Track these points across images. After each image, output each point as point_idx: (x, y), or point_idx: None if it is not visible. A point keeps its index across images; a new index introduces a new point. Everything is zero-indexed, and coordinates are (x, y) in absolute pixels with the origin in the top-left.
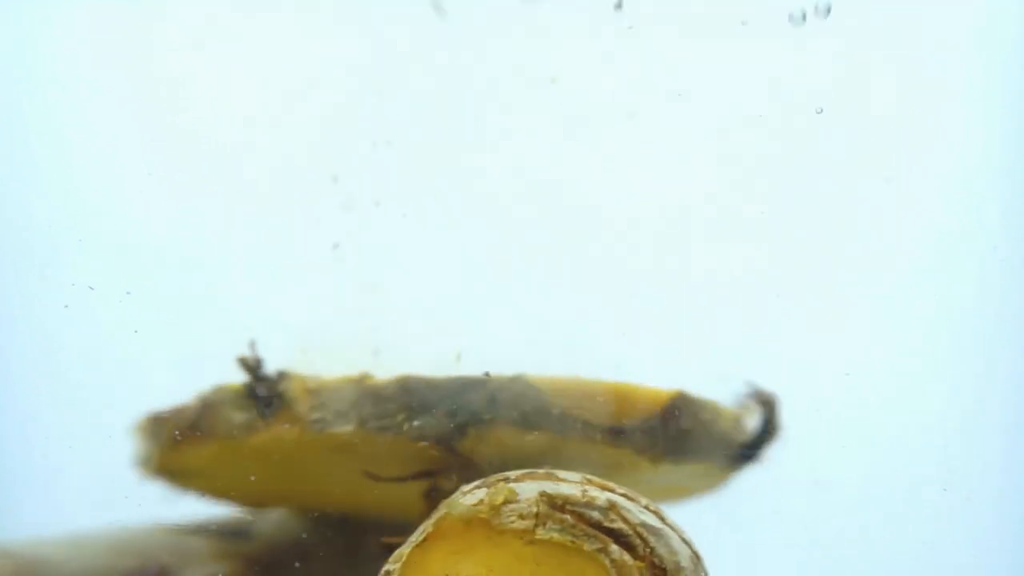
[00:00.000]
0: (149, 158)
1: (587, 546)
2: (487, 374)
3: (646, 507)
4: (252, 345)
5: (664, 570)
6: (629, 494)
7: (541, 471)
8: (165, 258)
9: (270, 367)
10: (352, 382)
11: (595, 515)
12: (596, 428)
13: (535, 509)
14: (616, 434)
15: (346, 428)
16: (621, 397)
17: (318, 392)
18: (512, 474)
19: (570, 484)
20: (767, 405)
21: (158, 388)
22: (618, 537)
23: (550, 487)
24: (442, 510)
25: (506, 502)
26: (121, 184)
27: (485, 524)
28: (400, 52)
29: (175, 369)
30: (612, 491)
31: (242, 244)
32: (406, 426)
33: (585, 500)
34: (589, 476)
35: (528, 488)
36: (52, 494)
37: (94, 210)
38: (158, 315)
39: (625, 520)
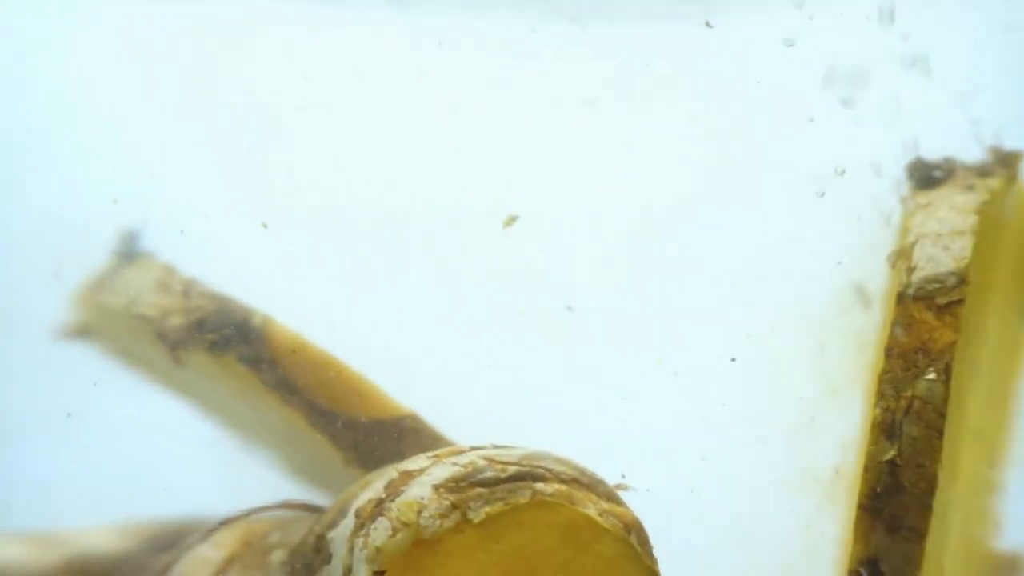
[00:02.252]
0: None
1: (523, 499)
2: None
3: (497, 446)
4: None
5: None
6: (479, 446)
7: (395, 476)
8: None
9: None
10: (160, 268)
11: (489, 475)
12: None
13: (447, 501)
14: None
15: (116, 303)
16: (363, 392)
17: (137, 268)
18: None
19: (440, 466)
20: None
21: None
22: (536, 477)
23: (438, 472)
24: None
25: (419, 512)
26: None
27: (424, 545)
28: None
29: None
30: (462, 451)
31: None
32: (164, 321)
33: (471, 469)
34: (434, 453)
35: (417, 488)
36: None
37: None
38: None
39: (509, 463)
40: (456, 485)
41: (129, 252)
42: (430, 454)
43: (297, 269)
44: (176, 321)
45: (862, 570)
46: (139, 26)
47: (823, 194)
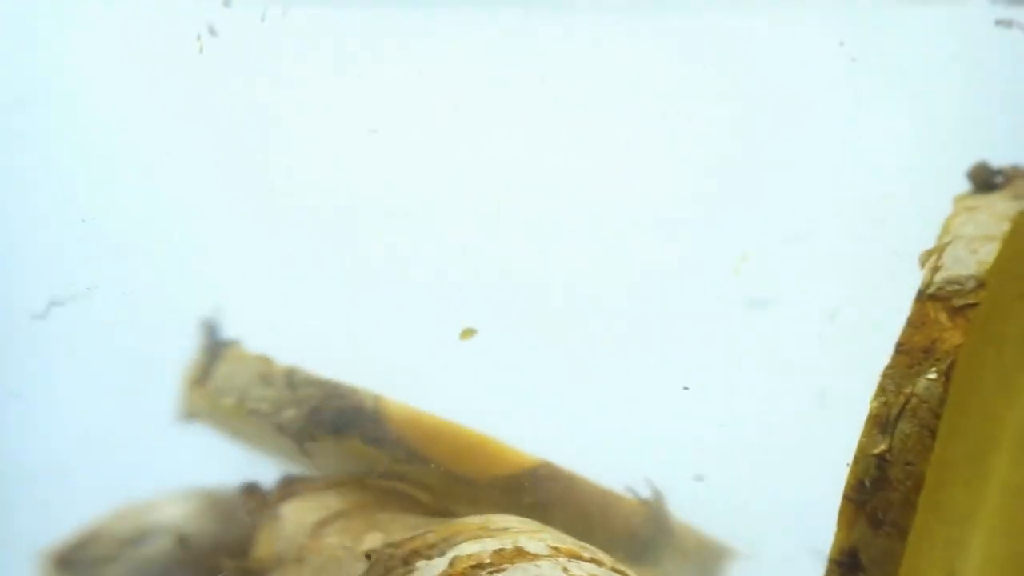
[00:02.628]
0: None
1: None
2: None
3: (617, 570)
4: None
5: None
6: (596, 556)
7: (509, 547)
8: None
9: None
10: (256, 360)
11: None
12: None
13: None
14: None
15: (228, 402)
16: (487, 451)
17: (232, 362)
18: (478, 554)
19: (551, 564)
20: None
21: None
22: None
23: (547, 571)
24: None
25: None
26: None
27: None
28: None
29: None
30: (580, 557)
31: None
32: (281, 414)
33: None
34: (554, 543)
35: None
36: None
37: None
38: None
39: None
40: None
41: (215, 343)
42: (552, 543)
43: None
44: (291, 413)
45: (842, 560)
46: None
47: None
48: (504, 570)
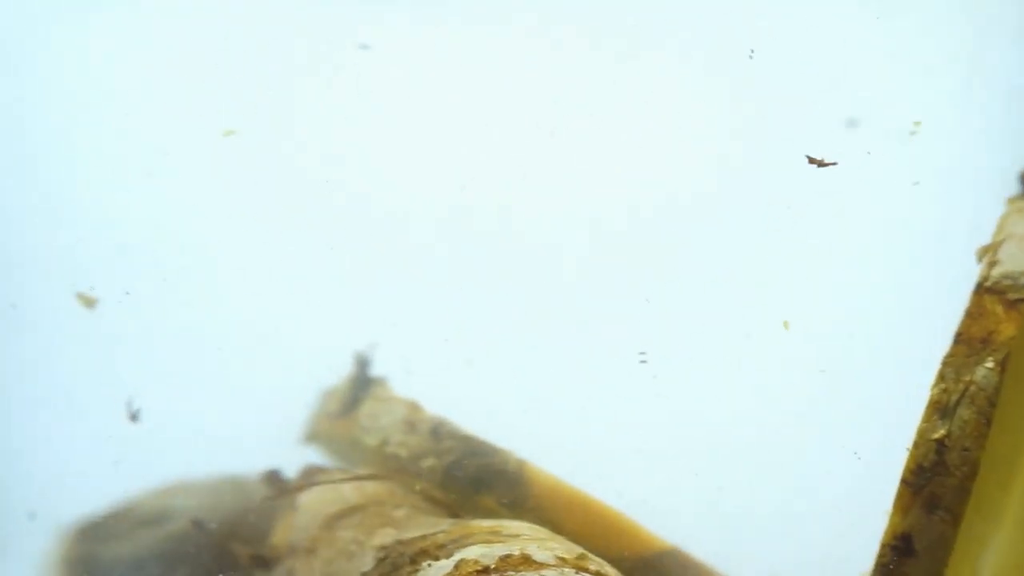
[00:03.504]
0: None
1: None
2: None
3: None
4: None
5: None
6: (602, 570)
7: (516, 554)
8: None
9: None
10: (404, 404)
11: None
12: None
13: None
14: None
15: (371, 441)
16: (622, 530)
17: (380, 401)
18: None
19: (551, 571)
20: None
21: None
22: None
23: None
24: None
25: None
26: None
27: None
28: None
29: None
30: (587, 570)
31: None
32: (420, 462)
33: None
34: (563, 554)
35: None
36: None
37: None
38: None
39: None
40: None
41: (365, 379)
42: (559, 552)
43: None
44: (431, 463)
45: (896, 544)
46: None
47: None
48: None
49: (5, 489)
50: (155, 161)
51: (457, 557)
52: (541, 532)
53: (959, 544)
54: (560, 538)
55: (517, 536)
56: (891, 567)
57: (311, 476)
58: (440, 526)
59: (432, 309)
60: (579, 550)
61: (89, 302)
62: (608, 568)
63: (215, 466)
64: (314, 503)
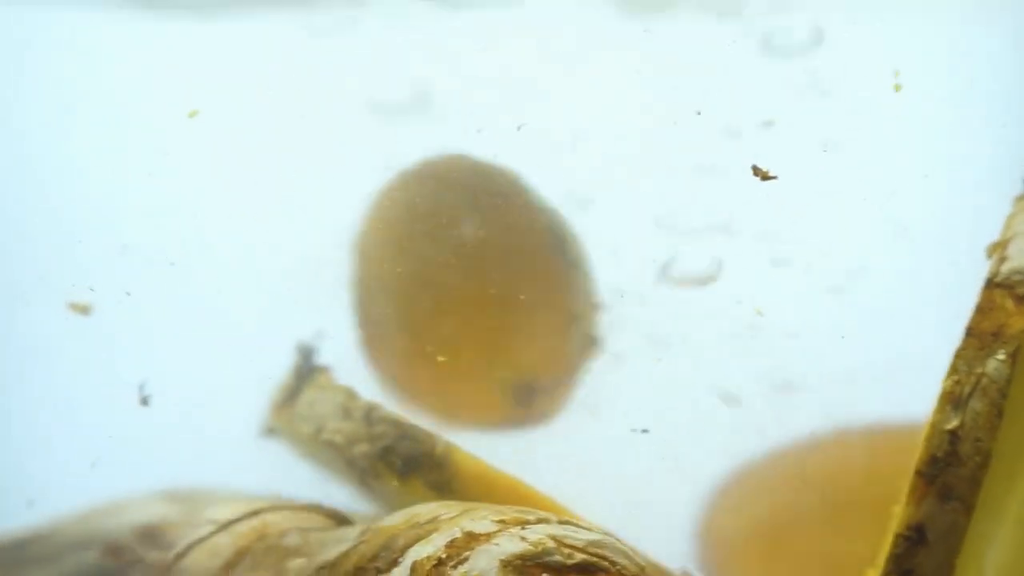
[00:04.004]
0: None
1: None
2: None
3: (564, 522)
4: (316, 336)
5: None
6: (541, 516)
7: (459, 535)
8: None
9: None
10: (340, 391)
11: (557, 558)
12: None
13: None
14: None
15: (306, 429)
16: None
17: (319, 390)
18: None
19: (507, 537)
20: None
21: None
22: (600, 569)
23: (506, 544)
24: None
25: None
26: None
27: None
28: None
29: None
30: (528, 521)
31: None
32: (352, 448)
33: (540, 548)
34: (496, 517)
35: (483, 559)
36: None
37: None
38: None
39: (576, 548)
40: (523, 564)
41: (307, 368)
42: (497, 517)
43: None
44: (363, 449)
45: (908, 534)
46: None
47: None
48: (467, 559)
49: (3, 477)
50: (155, 161)
51: (407, 562)
52: (454, 507)
53: (970, 534)
54: (477, 504)
55: (436, 518)
56: (904, 557)
57: (178, 554)
58: (349, 537)
59: None
60: (505, 508)
61: (84, 309)
62: (542, 512)
63: (211, 461)
64: (197, 562)
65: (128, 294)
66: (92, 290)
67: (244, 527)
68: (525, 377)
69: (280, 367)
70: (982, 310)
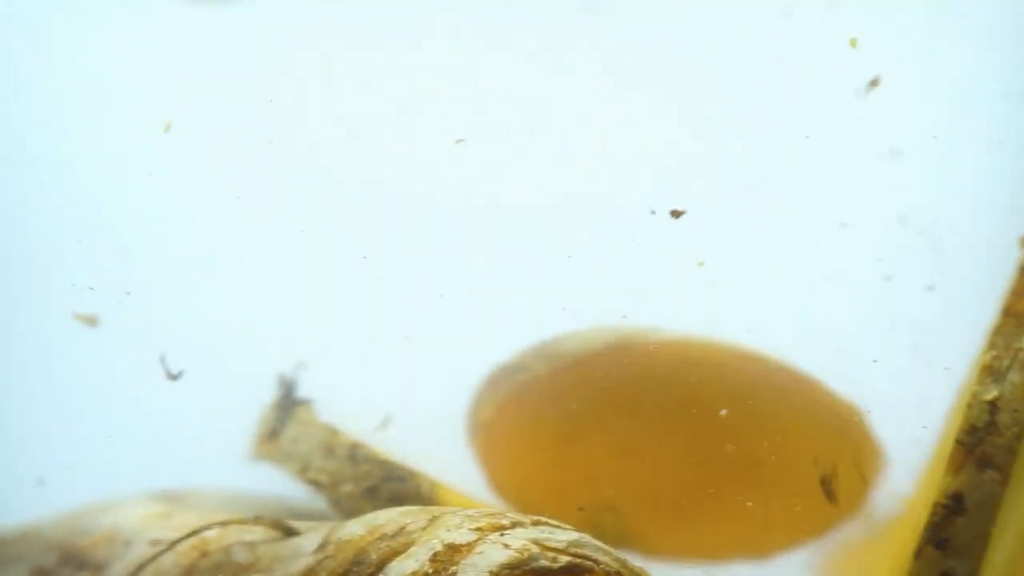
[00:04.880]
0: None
1: None
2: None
3: (537, 522)
4: (297, 367)
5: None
6: (515, 519)
7: (440, 548)
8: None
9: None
10: (323, 429)
11: (543, 563)
12: None
13: None
14: None
15: (292, 468)
16: None
17: (302, 425)
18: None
19: (489, 545)
20: None
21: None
22: (585, 569)
23: (491, 554)
24: None
25: None
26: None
27: None
28: None
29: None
30: (503, 526)
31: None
32: (337, 489)
33: (526, 555)
34: (472, 525)
35: (471, 573)
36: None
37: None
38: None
39: (559, 550)
40: (511, 573)
41: (289, 401)
42: (472, 525)
43: None
44: (348, 489)
45: (947, 503)
46: None
47: None
48: (454, 574)
49: (15, 454)
50: (155, 161)
51: None
52: (418, 513)
53: (1005, 503)
54: (443, 509)
55: (403, 529)
56: (940, 526)
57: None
58: (306, 551)
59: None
60: (473, 512)
61: (92, 320)
62: (515, 514)
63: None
64: None
65: (128, 294)
66: (92, 289)
67: (184, 546)
68: None
69: (280, 367)
70: (1017, 292)
